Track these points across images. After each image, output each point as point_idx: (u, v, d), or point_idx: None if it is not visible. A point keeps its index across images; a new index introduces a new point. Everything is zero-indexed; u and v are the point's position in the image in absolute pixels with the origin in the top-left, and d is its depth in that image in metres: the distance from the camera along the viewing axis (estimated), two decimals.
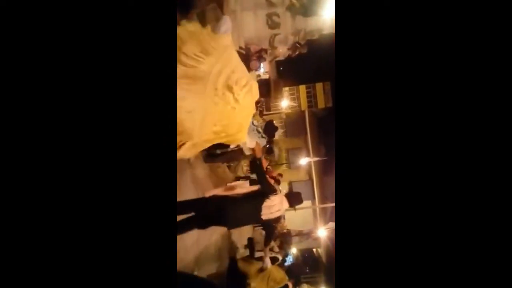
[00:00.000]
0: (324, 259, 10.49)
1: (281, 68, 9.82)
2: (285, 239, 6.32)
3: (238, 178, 5.06)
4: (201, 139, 1.29)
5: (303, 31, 5.11)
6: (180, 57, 1.18)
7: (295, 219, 8.94)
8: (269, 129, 3.36)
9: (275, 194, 1.90)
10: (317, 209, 9.94)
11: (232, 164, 4.93)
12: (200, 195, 2.32)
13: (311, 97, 10.76)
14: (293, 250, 8.59)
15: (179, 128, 1.14)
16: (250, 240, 4.52)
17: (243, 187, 2.11)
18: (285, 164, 11.17)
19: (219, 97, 1.22)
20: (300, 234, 9.18)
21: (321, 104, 10.64)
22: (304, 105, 10.91)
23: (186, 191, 2.90)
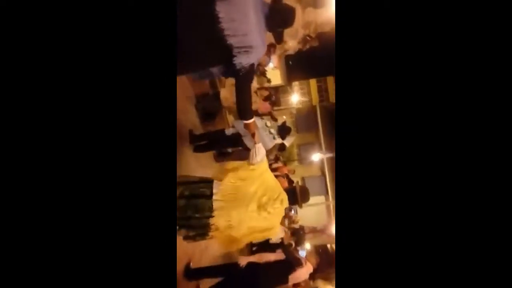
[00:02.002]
0: None
1: (291, 63, 9.66)
2: (298, 236, 6.26)
3: None
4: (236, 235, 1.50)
5: (313, 24, 4.96)
6: (219, 185, 1.44)
7: (308, 215, 8.85)
8: (282, 131, 3.35)
9: (301, 267, 2.22)
10: (331, 205, 9.81)
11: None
12: None
13: (322, 92, 10.55)
14: (307, 246, 8.54)
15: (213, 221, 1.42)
16: None
17: (272, 255, 2.41)
18: (296, 160, 11.05)
19: (254, 213, 1.43)
20: (314, 231, 9.10)
21: (332, 98, 10.41)
22: (315, 100, 10.73)
23: None
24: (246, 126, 1.43)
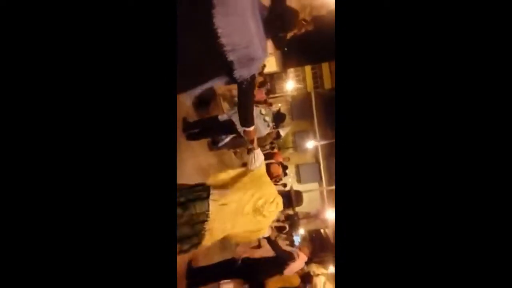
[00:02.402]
0: (331, 239, 10.64)
1: (286, 49, 9.50)
2: (293, 222, 6.37)
3: (244, 164, 5.00)
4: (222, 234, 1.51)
5: (309, 7, 4.83)
6: (213, 195, 1.44)
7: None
8: (277, 119, 3.34)
9: (294, 261, 2.29)
10: (324, 191, 9.96)
11: (238, 150, 4.87)
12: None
13: (317, 78, 10.45)
14: (301, 231, 8.71)
15: (208, 226, 1.42)
16: None
17: (264, 252, 2.51)
18: (291, 148, 11.09)
19: (249, 216, 1.45)
20: (307, 216, 9.27)
21: (327, 85, 10.35)
22: (310, 87, 10.65)
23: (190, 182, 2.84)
24: (246, 133, 1.41)
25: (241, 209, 1.43)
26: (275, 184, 5.00)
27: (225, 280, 2.54)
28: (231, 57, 1.06)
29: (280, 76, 10.60)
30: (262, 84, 3.96)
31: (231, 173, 1.57)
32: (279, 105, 11.13)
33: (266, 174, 1.58)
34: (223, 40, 1.03)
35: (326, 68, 10.29)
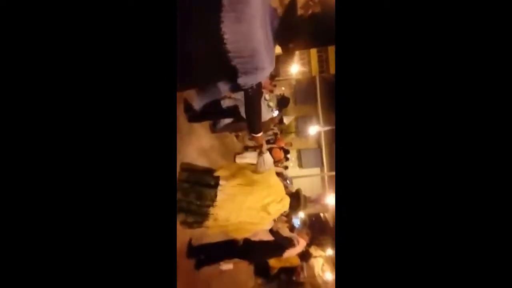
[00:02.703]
0: (331, 223, 10.85)
1: None
2: (292, 205, 6.47)
3: (246, 148, 5.03)
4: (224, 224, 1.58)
5: None
6: (224, 187, 1.50)
7: (303, 186, 9.06)
8: (281, 104, 3.32)
9: (294, 247, 2.35)
10: (325, 177, 10.03)
11: (240, 134, 4.87)
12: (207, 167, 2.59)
13: (323, 62, 10.22)
14: (301, 215, 8.87)
15: (213, 211, 1.50)
16: None
17: (267, 235, 2.54)
18: (294, 133, 11.06)
19: (254, 210, 1.52)
20: (308, 200, 9.39)
21: (333, 69, 10.12)
22: (315, 71, 10.42)
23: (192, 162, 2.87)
24: (254, 138, 1.41)
25: (247, 203, 1.49)
26: (276, 167, 5.04)
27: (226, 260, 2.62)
28: (235, 64, 1.03)
29: (285, 59, 10.38)
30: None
31: (241, 165, 1.69)
32: (283, 88, 10.98)
33: (274, 174, 1.63)
34: (229, 47, 1.00)
35: (332, 52, 10.03)
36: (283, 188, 1.65)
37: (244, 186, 1.52)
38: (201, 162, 3.06)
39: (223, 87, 1.15)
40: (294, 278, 4.77)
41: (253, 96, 1.17)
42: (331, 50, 9.97)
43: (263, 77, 1.11)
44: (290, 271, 4.48)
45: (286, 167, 5.93)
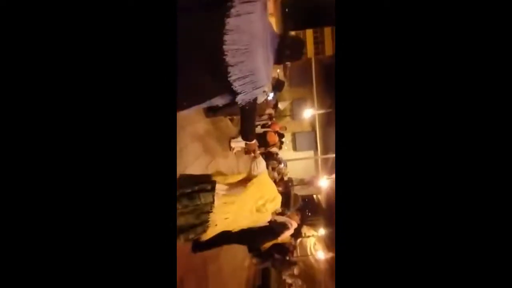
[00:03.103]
0: (323, 204, 11.13)
1: (287, 10, 8.96)
2: (287, 187, 6.60)
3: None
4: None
5: None
6: (218, 190, 1.55)
7: (297, 168, 9.20)
8: (276, 87, 3.30)
9: (288, 229, 2.38)
10: (319, 160, 10.15)
11: (235, 118, 4.85)
12: (202, 154, 2.58)
13: (318, 43, 10.02)
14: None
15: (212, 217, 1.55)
16: None
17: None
18: (289, 116, 11.03)
19: (250, 213, 1.60)
20: (301, 183, 9.57)
21: (328, 51, 9.95)
22: (310, 52, 10.24)
23: (187, 151, 2.89)
24: (248, 145, 1.50)
25: (243, 207, 1.57)
26: (270, 150, 5.08)
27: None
28: (234, 81, 1.07)
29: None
30: None
31: (237, 177, 1.73)
32: (278, 71, 10.81)
33: (267, 176, 1.73)
34: (229, 64, 1.04)
35: (328, 33, 9.81)
36: (275, 187, 1.74)
37: (238, 192, 1.59)
38: (197, 146, 3.07)
39: (219, 101, 1.20)
40: (287, 257, 4.96)
41: (250, 110, 1.21)
42: (327, 31, 9.76)
43: (260, 92, 1.14)
44: (283, 250, 4.65)
45: (280, 147, 5.94)
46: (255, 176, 1.65)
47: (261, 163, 1.64)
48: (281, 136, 5.69)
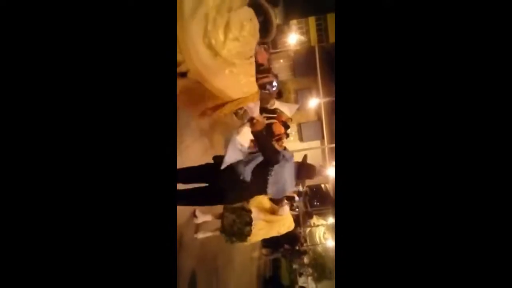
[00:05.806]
0: (331, 193, 11.13)
1: None
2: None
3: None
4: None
5: None
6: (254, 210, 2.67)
7: None
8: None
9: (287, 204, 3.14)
10: (326, 149, 10.09)
11: (239, 111, 4.82)
12: (206, 146, 2.65)
13: (322, 31, 9.82)
14: (300, 188, 9.06)
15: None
16: None
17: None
18: None
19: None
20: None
21: (332, 38, 9.75)
22: (314, 40, 10.06)
23: (193, 143, 2.90)
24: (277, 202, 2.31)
25: (272, 230, 2.72)
26: (277, 142, 5.07)
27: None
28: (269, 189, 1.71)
29: (283, 29, 9.97)
30: (263, 43, 3.76)
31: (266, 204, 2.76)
32: (281, 61, 10.68)
33: (289, 212, 2.76)
34: (269, 184, 1.68)
35: (331, 20, 9.58)
36: (292, 219, 2.83)
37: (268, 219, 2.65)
38: (203, 141, 3.09)
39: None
40: (297, 247, 5.02)
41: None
42: (330, 18, 9.53)
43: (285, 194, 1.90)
44: (293, 240, 4.70)
45: (287, 136, 5.95)
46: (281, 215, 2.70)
47: (286, 209, 2.68)
48: (286, 127, 5.65)
